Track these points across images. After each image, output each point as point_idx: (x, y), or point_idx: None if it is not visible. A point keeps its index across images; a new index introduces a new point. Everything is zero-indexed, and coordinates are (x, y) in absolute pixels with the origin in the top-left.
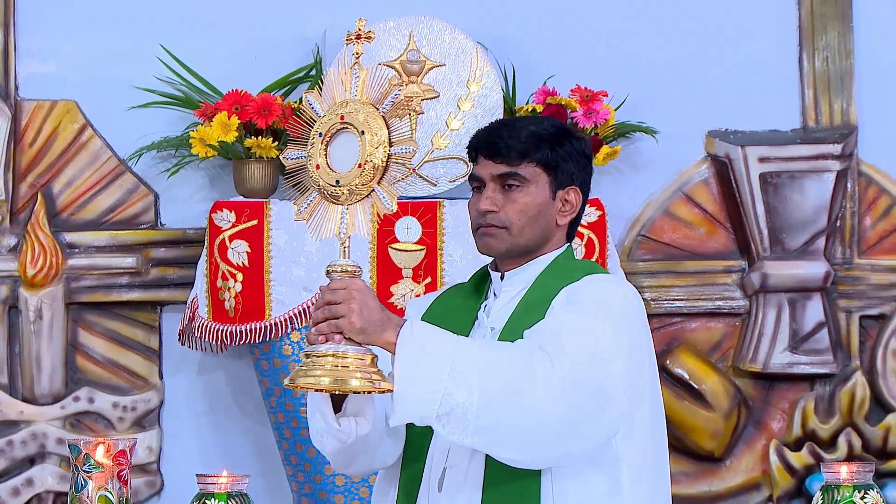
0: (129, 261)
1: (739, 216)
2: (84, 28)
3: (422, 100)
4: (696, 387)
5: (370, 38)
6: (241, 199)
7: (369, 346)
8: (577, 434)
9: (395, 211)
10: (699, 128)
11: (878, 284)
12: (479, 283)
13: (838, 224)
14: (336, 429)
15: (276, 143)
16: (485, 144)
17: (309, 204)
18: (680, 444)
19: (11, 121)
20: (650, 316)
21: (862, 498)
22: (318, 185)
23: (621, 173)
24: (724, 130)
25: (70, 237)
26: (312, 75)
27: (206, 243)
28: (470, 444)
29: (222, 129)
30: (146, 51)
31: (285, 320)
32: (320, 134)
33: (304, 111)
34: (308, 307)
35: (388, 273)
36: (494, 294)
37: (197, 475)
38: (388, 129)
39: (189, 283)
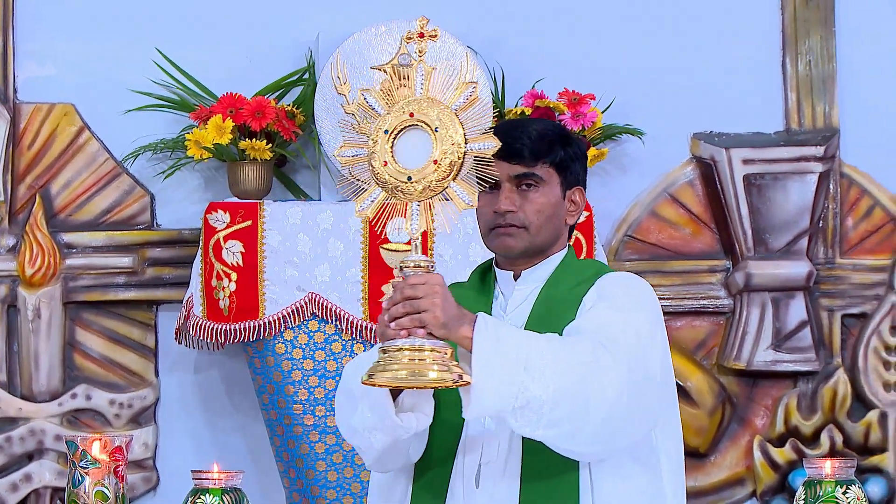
0: (125, 261)
1: (724, 217)
2: (81, 32)
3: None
4: (681, 384)
5: (434, 36)
6: (235, 200)
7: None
8: (635, 425)
9: (475, 206)
10: (684, 130)
11: (860, 284)
12: (482, 282)
13: (821, 225)
14: (398, 424)
15: (270, 145)
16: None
17: (373, 201)
18: None
19: (10, 123)
20: None
21: (844, 493)
22: (386, 182)
23: (608, 174)
24: (709, 133)
25: (68, 237)
26: (305, 79)
27: (201, 243)
28: (540, 437)
29: (217, 132)
30: (142, 55)
31: (279, 319)
32: (386, 131)
33: (359, 109)
34: (301, 306)
35: (379, 273)
36: (503, 293)
37: (192, 471)
38: (461, 125)
39: (184, 283)
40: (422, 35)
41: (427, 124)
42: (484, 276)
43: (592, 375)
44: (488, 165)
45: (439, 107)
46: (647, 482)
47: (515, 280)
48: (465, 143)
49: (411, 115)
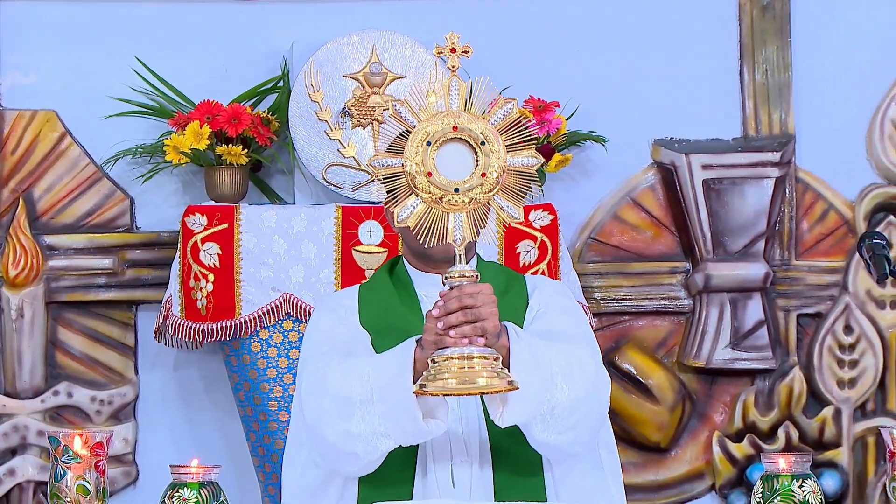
0: (105, 262)
1: (684, 220)
2: (63, 42)
3: (384, 110)
4: (642, 381)
5: (467, 52)
6: (212, 203)
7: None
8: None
9: (521, 219)
10: (646, 136)
11: (815, 284)
12: (396, 284)
13: (777, 228)
14: (424, 431)
15: (246, 150)
16: None
17: (413, 210)
18: (627, 436)
19: None
20: (600, 314)
21: (800, 487)
22: (430, 193)
23: (572, 179)
24: (670, 139)
25: (50, 240)
26: (280, 86)
27: (179, 245)
28: (553, 442)
29: (194, 138)
30: (122, 64)
31: (254, 318)
32: (429, 143)
33: (393, 120)
34: (276, 306)
35: (351, 274)
36: (426, 296)
37: (170, 465)
38: (502, 140)
39: (163, 284)
40: (453, 50)
41: (472, 138)
42: (393, 277)
43: (596, 384)
44: (529, 181)
45: (481, 121)
46: (590, 467)
47: (445, 284)
48: (507, 157)
49: (455, 128)
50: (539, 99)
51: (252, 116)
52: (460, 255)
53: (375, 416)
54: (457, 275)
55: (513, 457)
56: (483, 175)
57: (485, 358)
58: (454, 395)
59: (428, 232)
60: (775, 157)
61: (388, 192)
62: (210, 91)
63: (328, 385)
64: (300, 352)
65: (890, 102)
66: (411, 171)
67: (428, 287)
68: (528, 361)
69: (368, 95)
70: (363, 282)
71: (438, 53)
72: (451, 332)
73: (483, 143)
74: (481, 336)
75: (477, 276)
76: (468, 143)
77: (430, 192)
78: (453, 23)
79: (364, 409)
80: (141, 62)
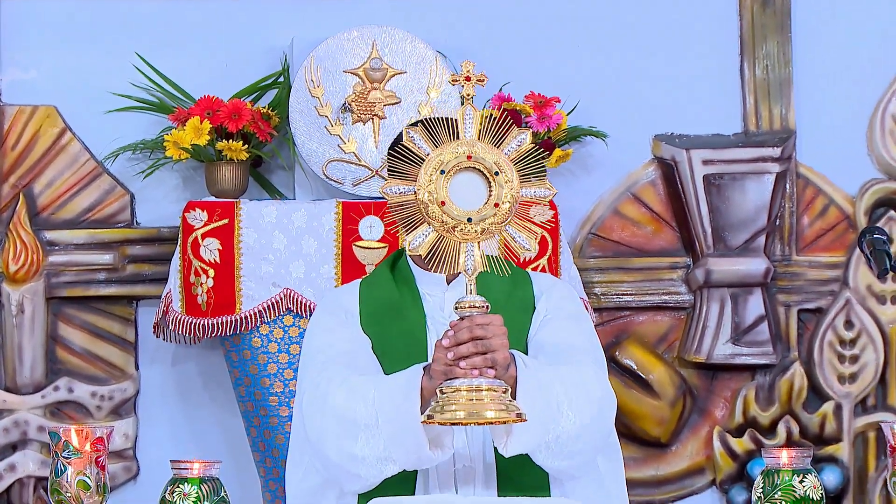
0: (106, 258)
1: (684, 215)
2: (64, 39)
3: (384, 105)
4: (643, 376)
5: (482, 81)
6: (212, 199)
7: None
8: None
9: (535, 253)
10: (646, 132)
11: (816, 280)
12: (399, 282)
13: (778, 223)
14: (431, 458)
15: (246, 146)
16: None
17: (425, 238)
18: (628, 431)
19: None
20: (600, 310)
21: (801, 482)
22: (442, 222)
23: (573, 175)
24: (670, 134)
25: (50, 235)
26: (280, 82)
27: (179, 241)
28: (557, 467)
29: (195, 133)
30: (123, 59)
31: (255, 314)
32: (443, 171)
33: (404, 146)
34: (277, 301)
35: (352, 269)
36: (428, 294)
37: (171, 461)
38: (516, 171)
39: (163, 279)
40: (468, 79)
41: (486, 168)
42: (395, 273)
43: (602, 408)
44: (543, 212)
45: (495, 152)
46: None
47: (449, 284)
48: (521, 189)
49: (469, 157)
50: (539, 94)
51: (252, 112)
52: (470, 287)
53: (381, 442)
54: (467, 305)
55: (517, 480)
56: (496, 205)
57: (493, 390)
58: (463, 425)
59: (439, 261)
60: (776, 152)
61: (398, 221)
62: (210, 87)
63: (330, 403)
64: (300, 354)
65: (891, 98)
66: (424, 200)
67: (431, 285)
68: (535, 391)
69: (369, 91)
70: (364, 277)
71: (453, 82)
72: (462, 364)
73: (497, 174)
74: (491, 368)
75: (487, 306)
76: (482, 172)
77: (442, 222)
78: (454, 19)
79: (369, 432)
80: (141, 58)
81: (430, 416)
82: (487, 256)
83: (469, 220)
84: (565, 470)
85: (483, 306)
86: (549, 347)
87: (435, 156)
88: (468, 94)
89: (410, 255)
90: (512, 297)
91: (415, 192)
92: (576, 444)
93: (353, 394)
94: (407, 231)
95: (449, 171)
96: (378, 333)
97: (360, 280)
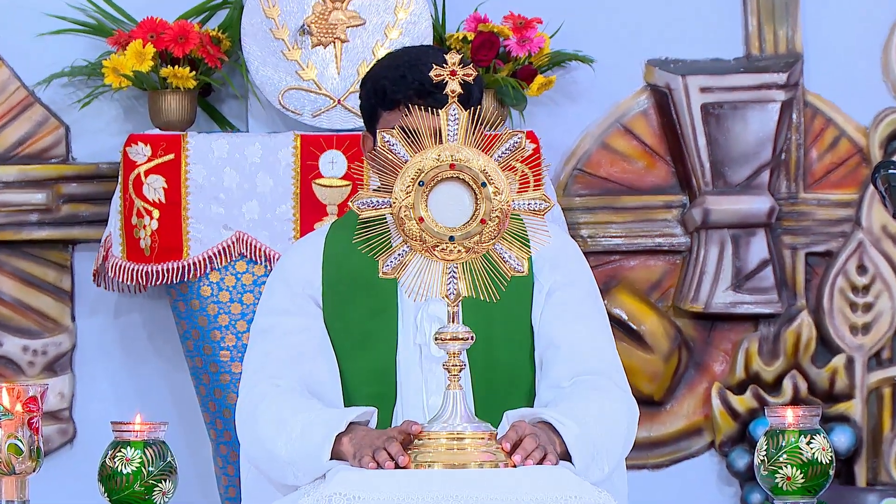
0: (38, 197)
1: (680, 149)
2: None
3: (347, 27)
4: (634, 328)
5: (469, 74)
6: (157, 131)
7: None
8: None
9: (525, 272)
10: (638, 56)
11: (825, 220)
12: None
13: (783, 157)
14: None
15: (194, 72)
16: (420, 93)
17: (399, 258)
18: None
19: None
20: (588, 254)
21: (808, 443)
22: (422, 241)
23: (556, 104)
24: (664, 59)
25: None
26: (231, 1)
27: (120, 178)
28: None
29: (137, 58)
30: None
31: (204, 260)
32: (421, 183)
33: (380, 153)
34: (228, 246)
35: (311, 210)
36: None
37: (112, 422)
38: (508, 180)
39: (103, 221)
40: (453, 73)
41: (472, 178)
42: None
43: (628, 441)
44: (538, 225)
45: (483, 157)
46: None
47: None
48: (513, 200)
49: (452, 166)
50: (519, 15)
51: (200, 35)
52: (454, 314)
53: (305, 478)
54: (449, 336)
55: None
56: (483, 221)
57: (477, 437)
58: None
59: (417, 285)
60: (781, 78)
61: (370, 240)
62: (154, 7)
63: (259, 427)
64: (253, 320)
65: None
66: (399, 216)
67: None
68: (582, 461)
69: (330, 11)
70: (334, 224)
71: (437, 77)
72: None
73: (484, 185)
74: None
75: (472, 336)
76: (467, 182)
77: (421, 240)
78: None
79: (292, 468)
80: None
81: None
82: (473, 280)
83: (451, 238)
84: None
85: (467, 337)
86: (566, 353)
87: (413, 164)
88: (453, 91)
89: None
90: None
91: (390, 206)
92: (603, 484)
93: (280, 427)
94: (380, 251)
95: (429, 182)
96: (340, 312)
97: (326, 232)
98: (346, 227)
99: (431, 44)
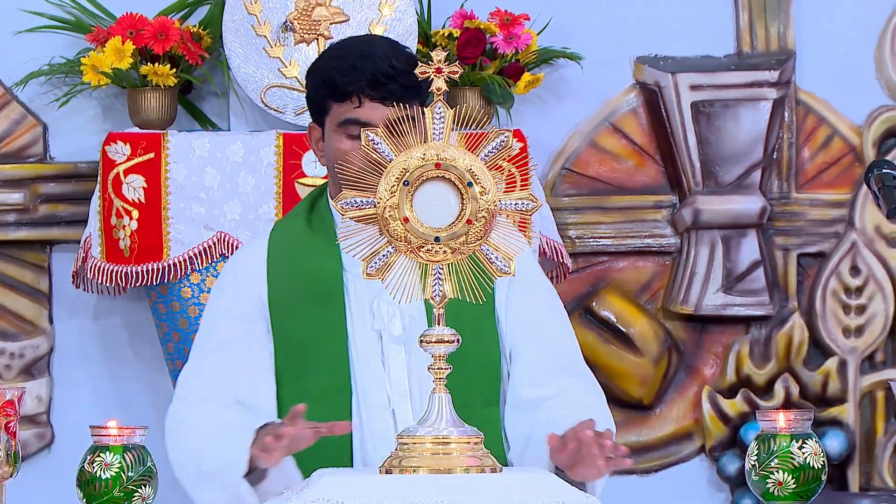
0: (16, 196)
1: (670, 148)
2: None
3: (330, 24)
4: (623, 330)
5: (455, 72)
6: (136, 130)
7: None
8: None
9: (513, 274)
10: (627, 53)
11: (817, 220)
12: (317, 224)
13: (775, 156)
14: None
15: (174, 70)
16: (373, 84)
17: (383, 260)
18: (606, 392)
19: None
20: (576, 255)
21: (800, 448)
22: (404, 241)
23: (544, 102)
24: (654, 56)
25: None
26: None
27: (99, 178)
28: None
29: (116, 56)
30: None
31: (184, 260)
32: (406, 182)
33: (364, 151)
34: (209, 246)
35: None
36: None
37: (90, 427)
38: (495, 179)
39: (81, 221)
40: (439, 71)
41: (458, 178)
42: (312, 216)
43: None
44: (524, 226)
45: (469, 156)
46: None
47: None
48: (500, 199)
49: (437, 165)
50: (506, 11)
51: (181, 31)
52: (439, 316)
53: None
54: (434, 339)
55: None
56: (469, 222)
57: (463, 442)
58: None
59: (401, 287)
60: (773, 76)
61: (355, 244)
62: (133, 3)
63: (194, 453)
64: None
65: None
66: (384, 216)
67: None
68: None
69: (313, 7)
70: (279, 220)
71: (422, 75)
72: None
73: (470, 184)
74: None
75: (458, 339)
76: (452, 182)
77: (406, 241)
78: None
79: (215, 483)
80: None
81: (387, 471)
82: (459, 281)
83: (437, 238)
84: None
85: (453, 339)
86: (539, 357)
87: (398, 162)
88: (438, 89)
89: (331, 189)
90: None
91: (374, 206)
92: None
93: (215, 445)
94: (365, 253)
95: (414, 182)
96: (288, 311)
97: (270, 232)
98: (289, 223)
99: (378, 34)
